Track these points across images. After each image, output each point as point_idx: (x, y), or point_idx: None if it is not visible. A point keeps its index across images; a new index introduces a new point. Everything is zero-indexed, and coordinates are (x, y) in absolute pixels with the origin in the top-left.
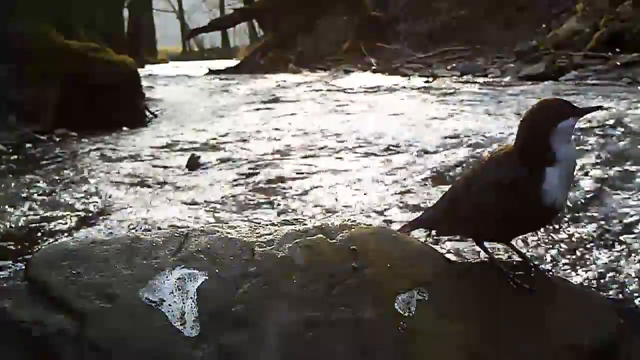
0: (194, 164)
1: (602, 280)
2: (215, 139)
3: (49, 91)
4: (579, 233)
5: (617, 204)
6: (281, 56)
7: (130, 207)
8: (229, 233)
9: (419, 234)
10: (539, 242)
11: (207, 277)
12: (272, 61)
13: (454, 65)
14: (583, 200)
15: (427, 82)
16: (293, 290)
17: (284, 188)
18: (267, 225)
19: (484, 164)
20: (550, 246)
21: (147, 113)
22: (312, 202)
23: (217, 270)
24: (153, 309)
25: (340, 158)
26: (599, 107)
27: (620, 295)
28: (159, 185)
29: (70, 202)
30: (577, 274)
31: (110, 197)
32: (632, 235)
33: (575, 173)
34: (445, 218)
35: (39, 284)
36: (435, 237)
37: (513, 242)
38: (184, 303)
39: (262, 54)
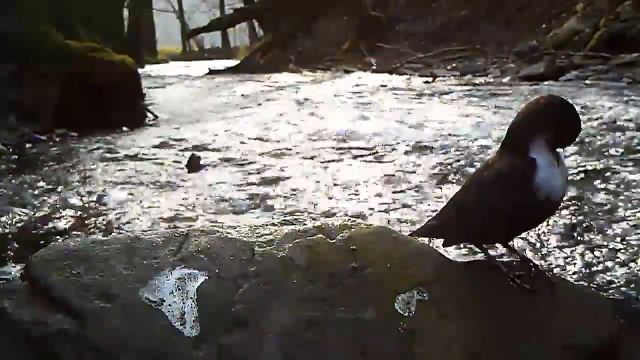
0: (194, 164)
1: (602, 280)
2: (215, 139)
3: (49, 91)
4: (579, 233)
5: (617, 204)
6: (281, 56)
7: (130, 207)
8: (229, 233)
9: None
10: (539, 242)
11: (207, 277)
12: (272, 61)
13: (454, 65)
14: (583, 200)
15: (427, 82)
16: (293, 290)
17: (284, 188)
18: (267, 225)
19: (481, 166)
20: (551, 246)
21: (147, 113)
22: (311, 202)
23: (217, 270)
24: (153, 309)
25: (341, 158)
26: None
27: (620, 295)
28: (159, 185)
29: (70, 202)
30: (577, 274)
31: (110, 197)
32: (633, 235)
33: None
34: (446, 225)
35: (39, 284)
36: (444, 246)
37: (513, 242)
38: (184, 303)
39: (262, 54)
